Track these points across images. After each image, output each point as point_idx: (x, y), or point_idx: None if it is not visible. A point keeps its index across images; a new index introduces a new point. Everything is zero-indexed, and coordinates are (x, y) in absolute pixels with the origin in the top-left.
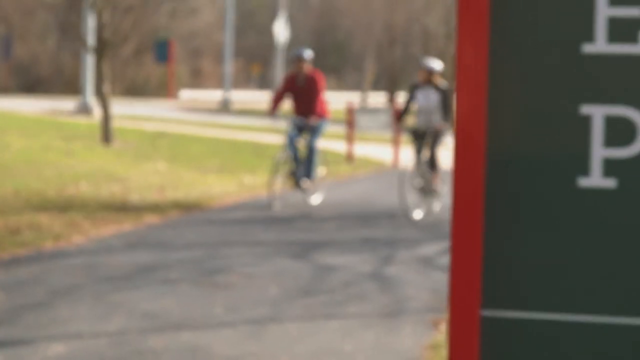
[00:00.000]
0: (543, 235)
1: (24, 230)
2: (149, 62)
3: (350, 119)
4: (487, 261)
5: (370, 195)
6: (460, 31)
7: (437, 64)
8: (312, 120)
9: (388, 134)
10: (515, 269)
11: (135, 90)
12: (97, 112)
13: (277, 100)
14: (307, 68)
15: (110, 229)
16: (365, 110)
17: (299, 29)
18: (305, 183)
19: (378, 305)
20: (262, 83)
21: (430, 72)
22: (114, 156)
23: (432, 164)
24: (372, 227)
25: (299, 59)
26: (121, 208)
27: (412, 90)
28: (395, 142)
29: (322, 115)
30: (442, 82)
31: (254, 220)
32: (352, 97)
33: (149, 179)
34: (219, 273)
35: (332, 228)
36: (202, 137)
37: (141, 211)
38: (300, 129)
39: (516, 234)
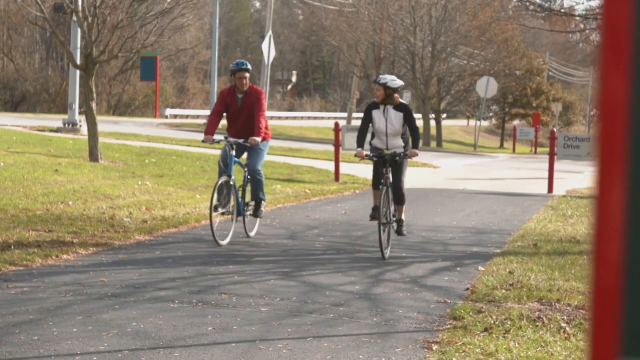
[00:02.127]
0: None
1: (12, 247)
2: (135, 79)
3: (337, 138)
4: (630, 304)
5: (358, 213)
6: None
7: (394, 80)
8: (254, 141)
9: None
10: None
11: (121, 107)
12: (83, 129)
13: (214, 120)
14: (248, 83)
15: (99, 246)
16: (350, 129)
17: (285, 47)
18: (257, 215)
19: (368, 325)
20: None
21: (387, 89)
22: (102, 173)
23: (398, 197)
24: (360, 245)
25: (242, 72)
26: (109, 226)
27: (368, 111)
28: None
29: (264, 136)
30: (402, 101)
31: (243, 239)
32: (336, 116)
33: (137, 197)
34: (209, 292)
35: (321, 247)
36: (189, 155)
37: (129, 229)
38: (240, 151)
39: None
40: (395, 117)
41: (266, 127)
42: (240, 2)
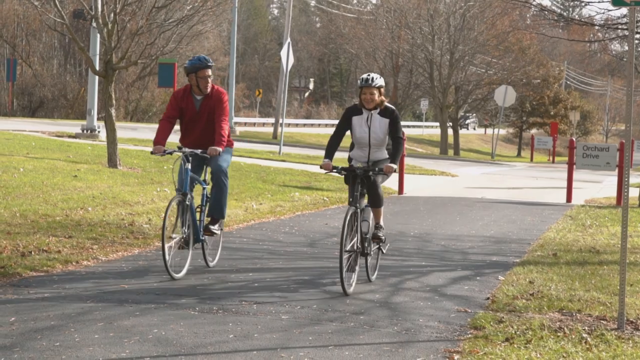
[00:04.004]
0: None
1: (33, 253)
2: (153, 86)
3: None
4: None
5: None
6: None
7: (380, 78)
8: (214, 151)
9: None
10: None
11: (139, 113)
12: (102, 135)
13: (166, 127)
14: (209, 83)
15: (118, 253)
16: None
17: (303, 55)
18: (209, 230)
19: (389, 334)
20: (262, 108)
21: (372, 90)
22: (120, 180)
23: (374, 198)
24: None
25: (206, 69)
26: (129, 232)
27: (347, 116)
28: (401, 169)
29: (226, 144)
30: (387, 104)
31: (262, 247)
32: None
33: (156, 203)
34: (229, 299)
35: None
36: None
37: (149, 235)
38: (198, 164)
39: None
40: (381, 124)
41: (228, 135)
42: (258, 10)
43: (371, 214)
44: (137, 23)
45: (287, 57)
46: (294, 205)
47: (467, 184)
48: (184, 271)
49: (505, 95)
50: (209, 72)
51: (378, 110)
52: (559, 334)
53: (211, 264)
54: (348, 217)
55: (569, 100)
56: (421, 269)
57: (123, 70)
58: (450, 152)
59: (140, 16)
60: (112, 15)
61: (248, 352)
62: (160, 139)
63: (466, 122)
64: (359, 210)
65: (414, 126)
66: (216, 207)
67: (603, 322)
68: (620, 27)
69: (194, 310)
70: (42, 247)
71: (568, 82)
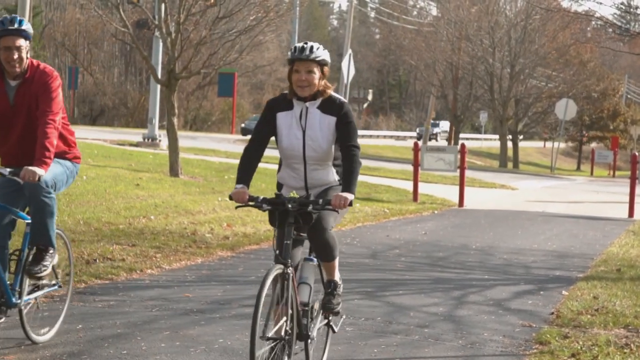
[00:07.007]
0: None
1: (97, 261)
2: (212, 95)
3: (416, 158)
4: None
5: (438, 234)
6: None
7: (322, 50)
8: (30, 175)
9: (451, 174)
10: None
11: (198, 122)
12: (163, 143)
13: None
14: (26, 59)
15: (182, 261)
16: (430, 149)
17: (362, 66)
18: (33, 274)
19: (454, 348)
20: None
21: (311, 66)
22: (182, 189)
23: (323, 251)
24: (442, 266)
25: (10, 37)
26: (192, 241)
27: (270, 112)
28: (461, 181)
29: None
30: (334, 95)
31: None
32: (412, 135)
33: (218, 213)
34: None
35: (402, 267)
36: (267, 172)
37: (212, 245)
38: (15, 189)
39: None
40: (322, 125)
41: (69, 145)
42: (318, 21)
43: (315, 271)
44: (200, 33)
45: (348, 68)
46: (354, 216)
47: (527, 197)
48: None
49: (566, 109)
50: (20, 41)
51: (318, 102)
52: (625, 350)
53: (40, 338)
54: (268, 281)
55: (628, 113)
56: (484, 282)
57: (184, 79)
58: (510, 164)
59: (203, 26)
60: (175, 24)
61: None
62: None
63: (434, 132)
64: (290, 269)
65: (473, 139)
66: (38, 233)
67: None
68: None
69: None
70: (107, 255)
71: (629, 96)
